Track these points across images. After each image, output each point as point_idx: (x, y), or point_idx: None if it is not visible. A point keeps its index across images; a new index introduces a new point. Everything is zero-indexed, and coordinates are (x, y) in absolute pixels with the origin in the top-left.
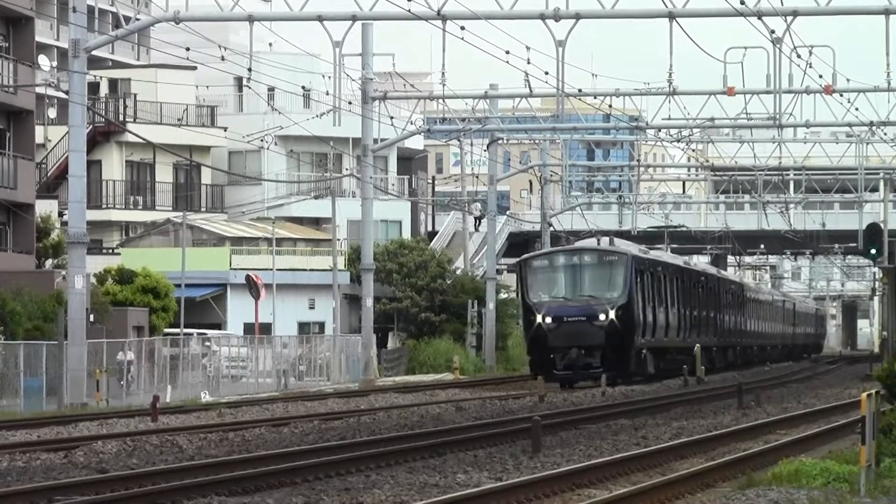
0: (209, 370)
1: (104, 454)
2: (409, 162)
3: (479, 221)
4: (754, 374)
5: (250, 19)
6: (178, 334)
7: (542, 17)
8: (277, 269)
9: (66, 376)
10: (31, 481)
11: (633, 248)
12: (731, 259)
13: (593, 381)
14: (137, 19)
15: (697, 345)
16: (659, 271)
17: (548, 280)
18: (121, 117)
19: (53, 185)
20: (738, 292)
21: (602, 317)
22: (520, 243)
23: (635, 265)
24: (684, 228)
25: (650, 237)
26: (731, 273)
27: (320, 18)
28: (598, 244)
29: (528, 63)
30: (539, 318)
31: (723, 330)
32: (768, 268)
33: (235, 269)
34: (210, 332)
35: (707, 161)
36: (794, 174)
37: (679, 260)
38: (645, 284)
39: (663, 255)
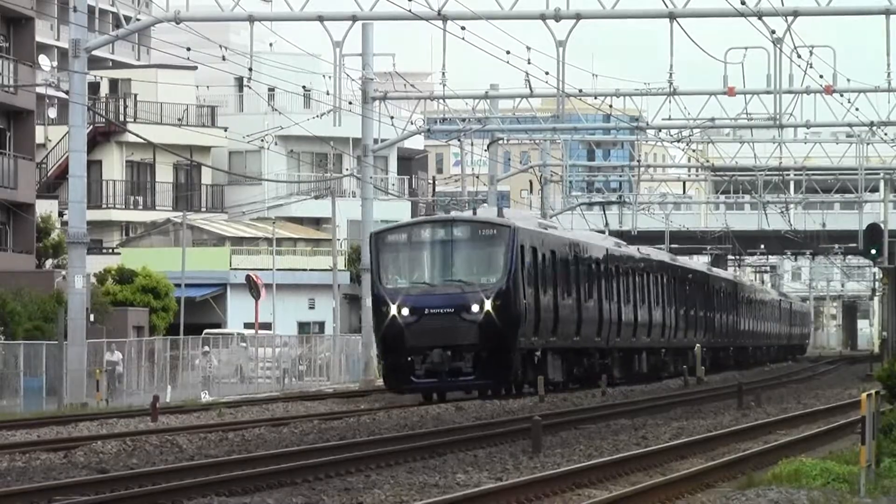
0: (246, 371)
1: (104, 454)
2: (410, 162)
3: None
4: (755, 374)
5: (251, 19)
6: (217, 333)
7: (543, 17)
8: (277, 269)
9: (65, 376)
10: (30, 481)
11: (524, 220)
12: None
13: (464, 392)
14: (138, 19)
15: (698, 345)
16: (568, 252)
17: (406, 260)
18: (121, 117)
19: (54, 184)
20: (700, 284)
21: (475, 308)
22: None
23: (524, 242)
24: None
25: (650, 238)
26: (695, 263)
27: (321, 18)
28: (475, 214)
29: (529, 63)
30: (393, 310)
31: (672, 329)
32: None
33: (235, 269)
34: (247, 332)
35: (707, 161)
36: (795, 174)
37: (607, 242)
38: (542, 268)
39: (583, 233)
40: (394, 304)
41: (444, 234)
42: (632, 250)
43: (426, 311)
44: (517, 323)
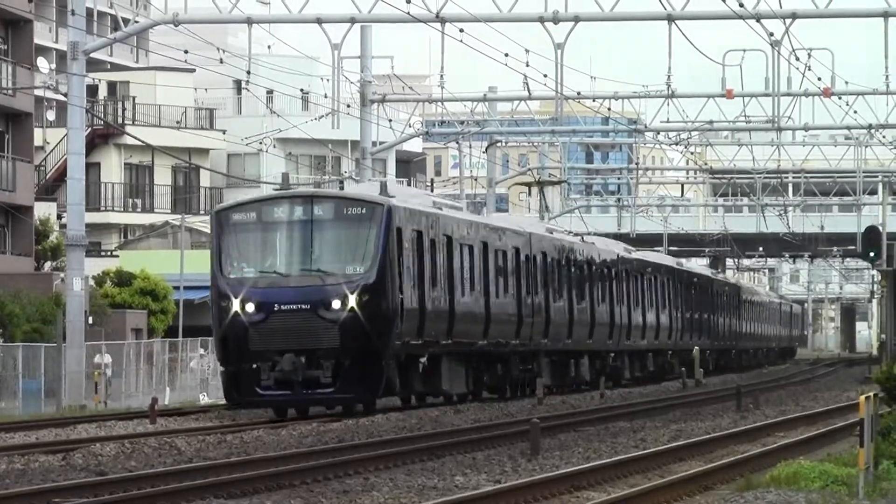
0: None
1: (103, 456)
2: (408, 164)
3: None
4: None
5: (249, 22)
6: None
7: (541, 19)
8: None
9: (64, 378)
10: (29, 483)
11: (415, 198)
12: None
13: (326, 408)
14: (136, 22)
15: (696, 347)
16: (475, 239)
17: (253, 245)
18: (119, 120)
19: (52, 187)
20: (660, 279)
21: (336, 304)
22: None
23: (405, 224)
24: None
25: (648, 241)
26: (658, 256)
27: (319, 21)
28: (342, 188)
29: (527, 66)
30: (235, 306)
31: (625, 329)
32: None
33: None
34: None
35: (706, 164)
36: (793, 177)
37: (537, 228)
38: (432, 256)
39: (508, 218)
40: (236, 298)
41: (303, 213)
42: (572, 239)
43: (276, 308)
44: (389, 322)
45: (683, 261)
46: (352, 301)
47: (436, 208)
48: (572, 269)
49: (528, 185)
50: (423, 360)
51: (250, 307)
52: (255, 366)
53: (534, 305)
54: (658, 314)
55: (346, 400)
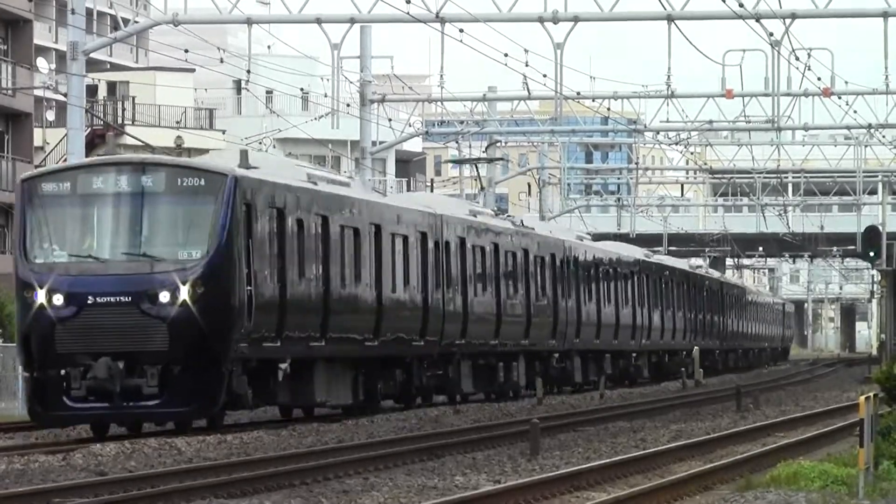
0: None
1: (103, 456)
2: (408, 164)
3: None
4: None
5: (249, 22)
6: None
7: (541, 19)
8: None
9: None
10: (29, 484)
11: (271, 170)
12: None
13: (155, 423)
14: (136, 22)
15: (696, 347)
16: (363, 221)
17: (66, 222)
18: (119, 120)
19: None
20: (609, 268)
21: (165, 296)
22: None
23: (258, 200)
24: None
25: (648, 241)
26: (602, 245)
27: (319, 21)
28: (178, 154)
29: (527, 66)
30: (40, 297)
31: (570, 327)
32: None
33: None
34: None
35: (705, 164)
36: (793, 177)
37: (451, 209)
38: (296, 239)
39: (381, 196)
40: (41, 288)
41: (128, 184)
42: (500, 223)
43: (89, 300)
44: (232, 319)
45: (637, 250)
46: (184, 293)
47: (309, 182)
48: (500, 257)
49: (461, 161)
50: (284, 364)
51: (58, 299)
52: (62, 372)
53: (445, 298)
54: (599, 304)
55: (177, 415)
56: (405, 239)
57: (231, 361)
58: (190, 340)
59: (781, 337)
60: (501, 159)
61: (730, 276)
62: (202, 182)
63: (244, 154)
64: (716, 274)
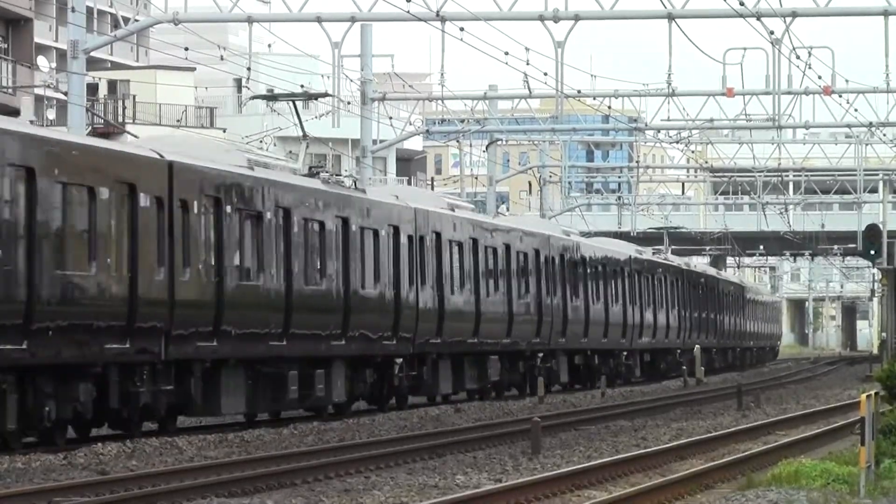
0: None
1: (104, 455)
2: (409, 163)
3: None
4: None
5: (249, 20)
6: None
7: (541, 18)
8: None
9: None
10: (30, 482)
11: None
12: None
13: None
14: (136, 20)
15: (697, 346)
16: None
17: None
18: (120, 119)
19: None
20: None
21: None
22: None
23: None
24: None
25: (649, 238)
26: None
27: (319, 19)
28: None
29: (527, 64)
30: None
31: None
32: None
33: None
34: None
35: (706, 162)
36: (794, 175)
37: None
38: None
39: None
40: None
41: None
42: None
43: None
44: None
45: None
46: None
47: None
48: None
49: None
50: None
51: None
52: None
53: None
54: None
55: None
56: (375, 233)
57: None
58: None
59: (769, 335)
60: (326, 94)
61: (723, 272)
62: None
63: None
64: (710, 270)
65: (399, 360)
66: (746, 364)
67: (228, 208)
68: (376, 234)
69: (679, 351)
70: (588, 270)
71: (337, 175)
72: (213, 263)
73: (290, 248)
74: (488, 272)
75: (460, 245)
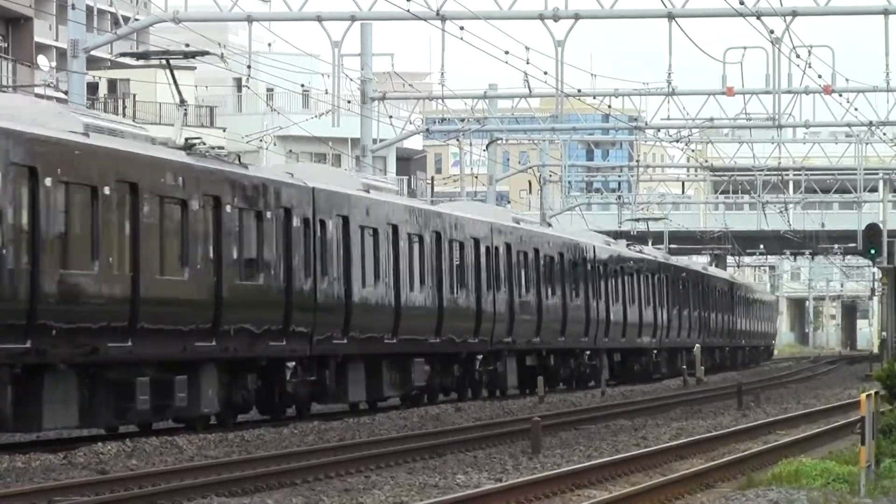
0: None
1: (104, 455)
2: (409, 162)
3: None
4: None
5: (249, 19)
6: None
7: (541, 17)
8: None
9: None
10: (30, 482)
11: None
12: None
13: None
14: (136, 19)
15: (697, 345)
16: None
17: None
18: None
19: None
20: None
21: None
22: None
23: None
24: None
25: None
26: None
27: (319, 18)
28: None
29: (528, 63)
30: None
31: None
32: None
33: None
34: None
35: (706, 161)
36: (794, 174)
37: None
38: None
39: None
40: None
41: None
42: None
43: None
44: None
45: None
46: None
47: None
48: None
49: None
50: None
51: None
52: None
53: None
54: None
55: None
56: (258, 215)
57: None
58: None
59: (763, 334)
60: (206, 52)
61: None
62: None
63: None
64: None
65: (291, 364)
66: (738, 365)
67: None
68: (260, 216)
69: (655, 352)
70: (544, 262)
71: (219, 148)
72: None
73: (138, 232)
74: (411, 262)
75: (375, 231)
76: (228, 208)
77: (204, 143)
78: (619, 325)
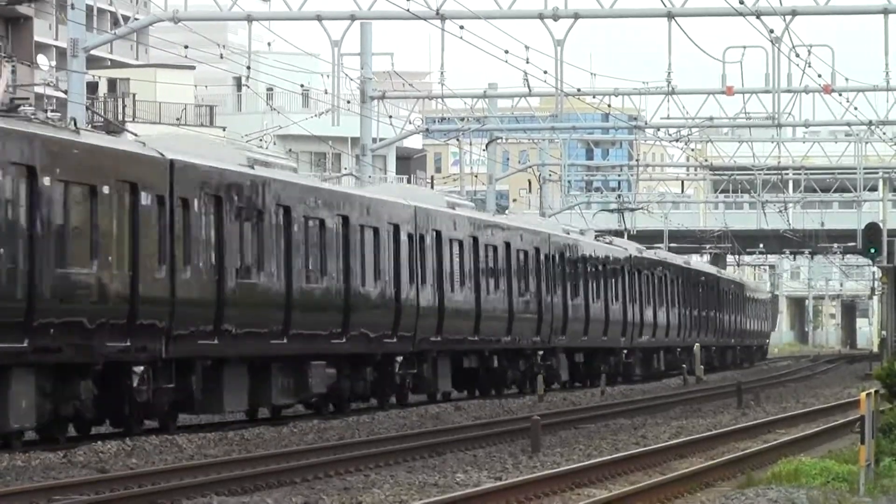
0: None
1: (104, 453)
2: (408, 161)
3: None
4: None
5: (249, 19)
6: None
7: (541, 16)
8: None
9: None
10: (30, 481)
11: None
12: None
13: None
14: (136, 19)
15: (697, 344)
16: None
17: None
18: (120, 117)
19: None
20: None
21: None
22: None
23: None
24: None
25: (649, 238)
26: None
27: (319, 18)
28: None
29: (527, 62)
30: None
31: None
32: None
33: None
34: None
35: (706, 160)
36: (793, 173)
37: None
38: None
39: None
40: None
41: None
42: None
43: None
44: None
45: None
46: None
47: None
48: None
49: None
50: None
51: None
52: None
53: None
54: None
55: None
56: (92, 189)
57: None
58: None
59: (757, 333)
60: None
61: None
62: None
63: None
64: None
65: (139, 370)
66: (728, 365)
67: None
68: (94, 190)
69: (625, 351)
70: (485, 252)
71: (53, 111)
72: None
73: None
74: (307, 249)
75: (259, 213)
76: (42, 182)
77: (31, 105)
78: (579, 322)
